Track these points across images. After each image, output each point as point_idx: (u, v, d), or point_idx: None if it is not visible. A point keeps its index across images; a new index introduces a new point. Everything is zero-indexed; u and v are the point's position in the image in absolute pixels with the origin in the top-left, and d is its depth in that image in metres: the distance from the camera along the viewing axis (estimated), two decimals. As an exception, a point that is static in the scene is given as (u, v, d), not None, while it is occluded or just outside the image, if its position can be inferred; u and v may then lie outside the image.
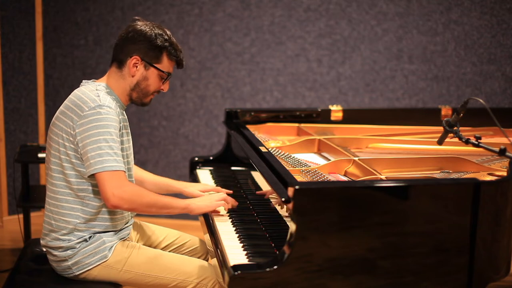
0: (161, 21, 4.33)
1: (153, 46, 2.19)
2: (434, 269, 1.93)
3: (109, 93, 2.20)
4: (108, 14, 4.39)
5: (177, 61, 2.26)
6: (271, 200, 2.31)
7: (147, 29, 2.19)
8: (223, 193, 2.39)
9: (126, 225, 2.30)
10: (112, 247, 2.19)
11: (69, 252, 2.17)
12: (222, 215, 2.35)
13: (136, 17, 2.28)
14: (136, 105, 2.29)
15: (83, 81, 2.25)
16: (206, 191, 2.49)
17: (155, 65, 2.21)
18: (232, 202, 2.34)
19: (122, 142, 2.18)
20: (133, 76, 2.21)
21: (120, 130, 2.17)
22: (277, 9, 4.25)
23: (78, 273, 2.18)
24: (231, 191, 2.47)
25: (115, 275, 2.21)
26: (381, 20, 4.17)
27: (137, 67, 2.20)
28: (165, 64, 2.23)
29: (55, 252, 2.20)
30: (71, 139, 2.10)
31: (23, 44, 4.37)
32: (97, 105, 2.08)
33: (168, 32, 2.24)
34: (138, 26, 2.20)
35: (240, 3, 4.28)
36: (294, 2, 4.24)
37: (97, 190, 2.14)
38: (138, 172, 2.54)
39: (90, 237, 2.18)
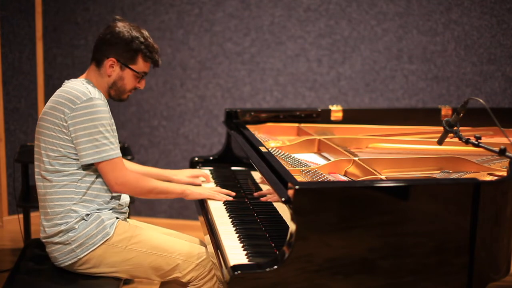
0: (161, 21, 4.33)
1: (128, 48, 2.31)
2: (434, 269, 1.93)
3: (94, 87, 2.31)
4: (108, 14, 4.39)
5: (152, 62, 2.38)
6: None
7: (124, 31, 2.30)
8: (218, 188, 2.59)
9: (122, 208, 2.38)
10: (113, 224, 2.27)
11: (70, 234, 2.22)
12: (222, 216, 2.35)
13: (117, 17, 2.39)
14: (114, 101, 2.42)
15: (65, 81, 2.35)
16: (193, 176, 2.74)
17: (130, 66, 2.33)
18: (223, 197, 2.52)
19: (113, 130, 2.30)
20: (109, 76, 2.33)
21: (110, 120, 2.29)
22: (277, 9, 4.25)
23: (82, 255, 2.23)
24: (206, 174, 2.80)
25: (118, 255, 2.25)
26: (381, 20, 4.17)
27: (113, 67, 2.32)
28: (140, 65, 2.35)
29: (56, 239, 2.24)
30: (64, 130, 2.22)
31: (23, 44, 4.37)
32: (88, 98, 2.21)
33: (145, 34, 2.35)
34: (117, 28, 2.31)
35: (240, 3, 4.28)
36: (294, 2, 4.24)
37: (88, 173, 2.25)
38: (128, 166, 2.64)
39: (87, 214, 2.24)
